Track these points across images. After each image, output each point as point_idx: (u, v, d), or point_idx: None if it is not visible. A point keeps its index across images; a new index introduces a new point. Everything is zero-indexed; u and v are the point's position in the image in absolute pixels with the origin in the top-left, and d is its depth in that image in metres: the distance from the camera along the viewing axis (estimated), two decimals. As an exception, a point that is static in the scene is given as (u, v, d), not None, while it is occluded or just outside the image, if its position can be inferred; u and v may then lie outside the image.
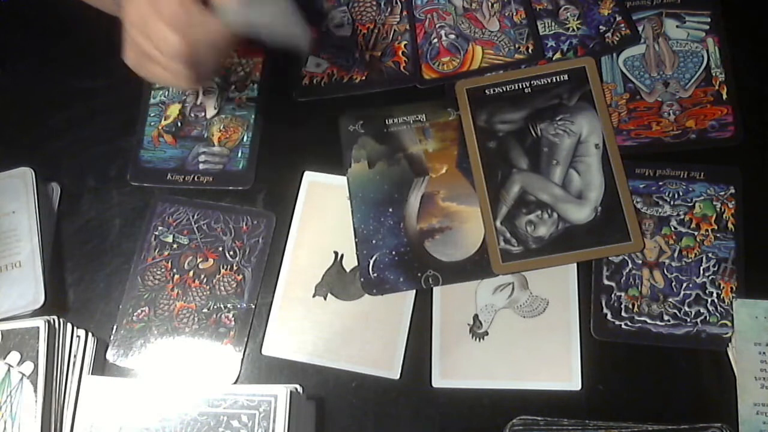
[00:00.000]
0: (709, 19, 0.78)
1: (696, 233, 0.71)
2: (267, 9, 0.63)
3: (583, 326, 0.69)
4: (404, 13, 0.82)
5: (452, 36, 0.80)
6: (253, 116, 0.79)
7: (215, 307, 0.72)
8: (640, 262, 0.71)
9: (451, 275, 0.71)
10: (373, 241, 0.73)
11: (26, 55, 0.84)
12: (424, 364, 0.69)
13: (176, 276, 0.73)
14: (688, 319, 0.69)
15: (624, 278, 0.71)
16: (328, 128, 0.77)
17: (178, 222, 0.75)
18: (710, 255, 0.71)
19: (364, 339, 0.70)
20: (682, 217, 0.72)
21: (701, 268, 0.70)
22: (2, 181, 0.76)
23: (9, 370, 0.66)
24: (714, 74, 0.76)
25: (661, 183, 0.73)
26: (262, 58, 0.81)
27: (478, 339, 0.70)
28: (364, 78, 0.79)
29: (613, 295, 0.70)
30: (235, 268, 0.73)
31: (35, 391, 0.65)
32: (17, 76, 0.83)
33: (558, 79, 0.77)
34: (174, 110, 0.80)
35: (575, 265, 0.71)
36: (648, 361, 0.68)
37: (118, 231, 0.76)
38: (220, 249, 0.74)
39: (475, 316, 0.70)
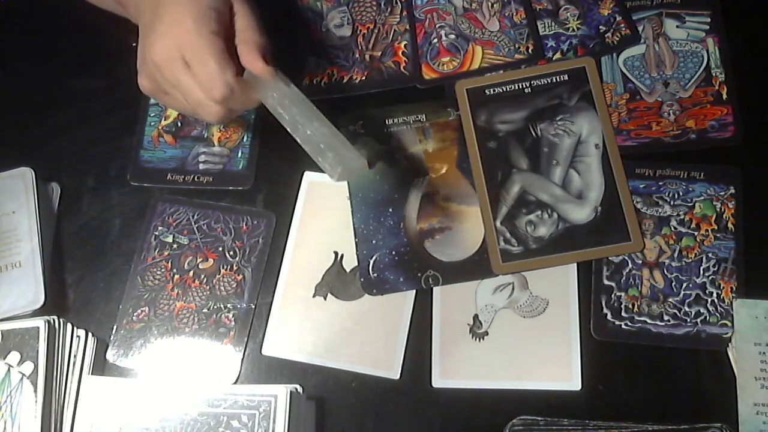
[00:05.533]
0: (709, 19, 0.78)
1: (696, 233, 0.71)
2: (306, 114, 0.63)
3: (583, 326, 0.69)
4: (404, 13, 0.82)
5: (452, 36, 0.80)
6: (253, 116, 0.79)
7: (215, 307, 0.72)
8: (640, 262, 0.71)
9: (451, 275, 0.71)
10: (373, 241, 0.73)
11: (26, 55, 0.84)
12: (424, 364, 0.69)
13: (176, 276, 0.73)
14: (688, 319, 0.69)
15: (624, 278, 0.71)
16: (328, 128, 0.77)
17: (178, 222, 0.75)
18: (710, 255, 0.71)
19: (364, 339, 0.70)
20: (682, 217, 0.72)
21: (701, 268, 0.70)
22: (2, 181, 0.76)
23: (9, 370, 0.66)
24: (714, 74, 0.76)
25: (661, 183, 0.73)
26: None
27: (478, 339, 0.70)
28: (364, 78, 0.79)
29: (613, 295, 0.70)
30: (235, 268, 0.73)
31: (35, 391, 0.65)
32: (17, 76, 0.83)
33: (558, 79, 0.77)
34: (174, 110, 0.80)
35: (575, 265, 0.71)
36: (648, 361, 0.68)
37: (118, 231, 0.76)
38: (220, 249, 0.74)
39: (475, 316, 0.70)
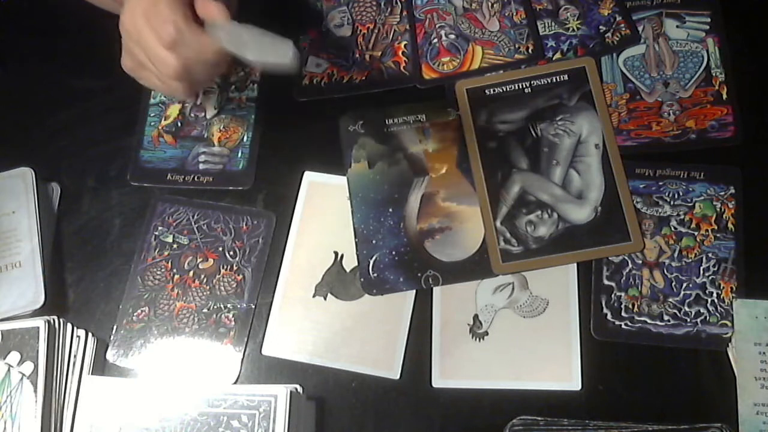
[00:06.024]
0: (709, 19, 0.78)
1: (696, 233, 0.71)
2: (248, 32, 0.63)
3: (583, 326, 0.69)
4: (404, 13, 0.82)
5: (452, 36, 0.80)
6: (253, 116, 0.79)
7: (215, 307, 0.72)
8: (640, 262, 0.71)
9: (451, 275, 0.71)
10: (373, 241, 0.73)
11: (26, 55, 0.84)
12: (424, 364, 0.69)
13: (176, 276, 0.73)
14: (688, 319, 0.69)
15: (624, 278, 0.71)
16: (328, 128, 0.77)
17: (178, 222, 0.75)
18: (710, 255, 0.71)
19: (364, 339, 0.70)
20: (682, 217, 0.72)
21: (701, 268, 0.70)
22: (2, 181, 0.76)
23: (9, 370, 0.66)
24: (714, 74, 0.76)
25: (661, 183, 0.73)
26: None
27: (478, 339, 0.70)
28: (364, 78, 0.79)
29: (613, 295, 0.70)
30: (235, 268, 0.73)
31: (35, 391, 0.65)
32: (17, 76, 0.83)
33: (558, 79, 0.77)
34: (174, 110, 0.80)
35: (575, 265, 0.71)
36: (648, 361, 0.68)
37: (118, 231, 0.76)
38: (220, 249, 0.74)
39: (475, 316, 0.70)
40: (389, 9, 0.82)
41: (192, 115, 0.79)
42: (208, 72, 0.65)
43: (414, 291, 0.71)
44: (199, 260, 0.74)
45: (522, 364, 0.69)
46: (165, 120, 0.79)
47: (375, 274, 0.72)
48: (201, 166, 0.77)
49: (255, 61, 0.63)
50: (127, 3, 0.63)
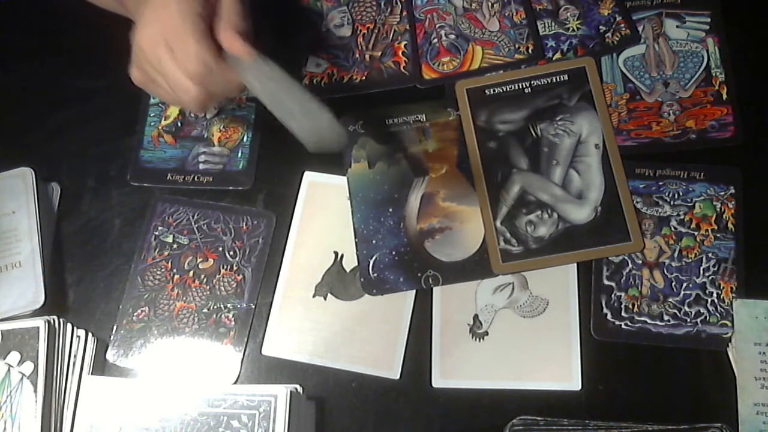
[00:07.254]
0: (709, 19, 0.78)
1: (696, 233, 0.71)
2: (285, 93, 0.62)
3: (583, 326, 0.69)
4: (404, 13, 0.82)
5: (452, 36, 0.80)
6: (253, 116, 0.79)
7: (215, 307, 0.72)
8: (640, 262, 0.71)
9: (451, 275, 0.71)
10: (373, 241, 0.73)
11: (26, 55, 0.84)
12: (424, 364, 0.69)
13: (176, 276, 0.73)
14: (688, 319, 0.69)
15: (624, 278, 0.71)
16: (328, 128, 0.77)
17: (178, 222, 0.75)
18: (710, 255, 0.71)
19: (364, 339, 0.70)
20: (682, 217, 0.72)
21: (701, 268, 0.70)
22: (2, 181, 0.76)
23: (9, 370, 0.66)
24: (714, 74, 0.76)
25: (661, 183, 0.73)
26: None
27: (478, 339, 0.70)
28: (364, 78, 0.79)
29: (613, 295, 0.70)
30: (235, 268, 0.73)
31: (35, 391, 0.65)
32: (17, 76, 0.83)
33: (558, 79, 0.77)
34: (174, 110, 0.80)
35: (575, 265, 0.71)
36: (648, 361, 0.68)
37: (118, 231, 0.76)
38: (220, 249, 0.74)
39: (475, 316, 0.70)
40: (389, 9, 0.82)
41: (192, 115, 0.79)
42: (227, 97, 0.64)
43: (414, 291, 0.71)
44: (199, 260, 0.74)
45: (522, 364, 0.69)
46: (165, 120, 0.79)
47: (375, 274, 0.72)
48: (201, 166, 0.77)
49: (270, 107, 0.62)
50: (141, 18, 0.62)
